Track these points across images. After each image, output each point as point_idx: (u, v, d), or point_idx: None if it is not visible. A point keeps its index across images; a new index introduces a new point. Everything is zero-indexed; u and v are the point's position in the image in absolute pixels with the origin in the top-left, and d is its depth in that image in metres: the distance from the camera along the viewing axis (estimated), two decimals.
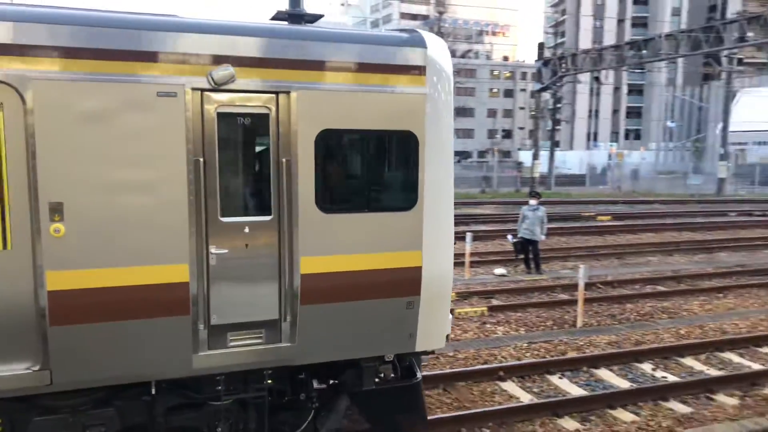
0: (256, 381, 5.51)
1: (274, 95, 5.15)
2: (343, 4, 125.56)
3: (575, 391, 8.19)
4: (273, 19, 6.04)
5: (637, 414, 7.57)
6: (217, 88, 4.94)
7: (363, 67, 5.40)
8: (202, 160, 4.96)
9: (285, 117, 5.18)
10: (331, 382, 5.92)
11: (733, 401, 7.98)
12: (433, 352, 6.50)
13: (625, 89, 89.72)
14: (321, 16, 6.11)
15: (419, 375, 6.19)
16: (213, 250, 5.07)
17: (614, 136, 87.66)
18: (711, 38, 31.90)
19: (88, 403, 5.08)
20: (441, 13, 53.40)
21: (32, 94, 4.48)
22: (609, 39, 77.89)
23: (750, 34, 30.38)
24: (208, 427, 5.47)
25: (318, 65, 5.24)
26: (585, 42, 76.50)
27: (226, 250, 5.11)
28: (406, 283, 5.73)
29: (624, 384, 8.44)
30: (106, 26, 4.72)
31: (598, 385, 8.42)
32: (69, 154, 4.60)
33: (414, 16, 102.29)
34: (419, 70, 5.58)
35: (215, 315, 5.15)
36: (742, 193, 41.48)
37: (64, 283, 4.66)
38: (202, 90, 4.93)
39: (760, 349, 9.91)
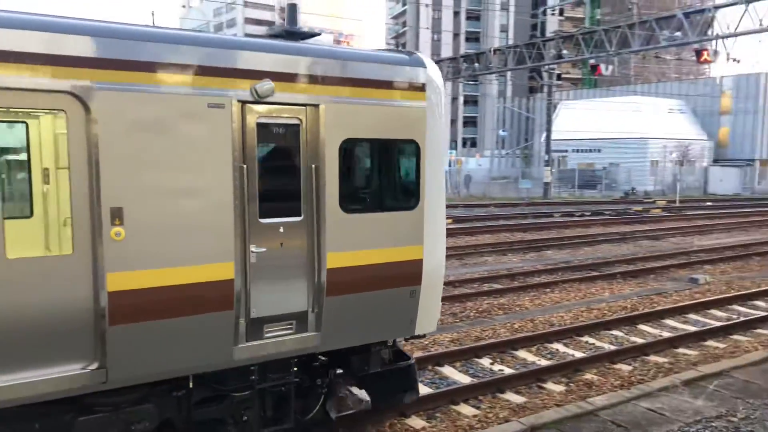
0: (283, 369, 6.09)
1: (304, 107, 5.77)
2: (184, 6, 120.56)
3: (422, 390, 8.50)
4: (271, 35, 6.80)
5: (477, 408, 8.02)
6: (259, 100, 5.46)
7: (377, 84, 6.18)
8: (245, 166, 5.45)
9: (314, 127, 5.81)
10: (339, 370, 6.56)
11: (560, 388, 8.73)
12: (425, 336, 7.29)
13: (461, 100, 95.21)
14: (317, 35, 6.99)
15: (412, 358, 7.23)
16: (253, 248, 5.57)
17: (453, 144, 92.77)
18: (533, 54, 34.88)
19: (129, 400, 5.35)
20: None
21: (97, 104, 4.75)
22: (446, 52, 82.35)
23: (565, 51, 33.64)
24: (233, 418, 5.88)
25: (342, 81, 5.93)
26: (424, 54, 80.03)
27: (264, 249, 5.64)
28: (410, 274, 6.54)
29: (465, 379, 8.90)
30: (162, 41, 5.12)
31: (443, 382, 8.82)
32: (128, 161, 4.90)
33: (259, 22, 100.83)
34: (421, 87, 6.46)
35: (254, 309, 5.65)
36: (565, 196, 45.70)
37: (123, 284, 4.96)
38: (245, 102, 5.43)
39: (582, 338, 10.95)
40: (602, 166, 52.07)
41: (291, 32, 6.64)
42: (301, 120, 5.80)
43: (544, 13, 70.50)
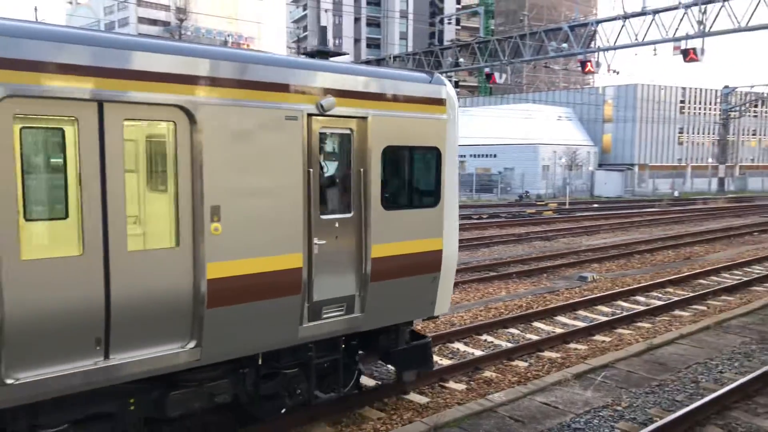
0: (333, 347, 7.19)
1: (355, 119, 6.85)
2: (71, 2, 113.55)
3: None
4: (304, 54, 7.89)
5: (382, 410, 8.09)
6: (322, 113, 6.48)
7: (410, 99, 7.37)
8: (311, 170, 6.47)
9: (362, 136, 6.92)
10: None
11: (461, 386, 8.99)
12: (438, 317, 8.66)
13: None
14: (345, 54, 8.15)
15: (428, 336, 8.68)
16: (316, 241, 6.61)
17: None
18: (432, 61, 35.77)
19: (211, 376, 6.24)
20: (181, 20, 51.52)
21: (200, 116, 5.61)
22: (348, 57, 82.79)
23: (461, 59, 34.75)
24: (288, 391, 6.87)
25: (383, 96, 7.08)
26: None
27: (324, 241, 6.69)
28: (432, 263, 7.74)
29: (370, 382, 8.97)
30: (253, 62, 6.10)
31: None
32: (224, 165, 5.81)
33: (154, 21, 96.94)
34: (442, 102, 7.71)
35: (316, 293, 6.67)
36: (464, 199, 47.12)
37: (220, 272, 5.83)
38: (312, 114, 6.43)
39: (481, 337, 11.33)
40: (498, 170, 54.18)
41: (322, 52, 7.86)
42: (352, 130, 6.91)
43: (441, 22, 72.61)
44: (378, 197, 7.09)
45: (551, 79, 76.30)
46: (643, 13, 27.30)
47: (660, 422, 7.28)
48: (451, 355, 10.35)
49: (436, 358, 10.09)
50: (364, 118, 6.91)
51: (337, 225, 6.86)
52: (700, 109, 71.00)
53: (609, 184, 55.21)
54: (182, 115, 5.58)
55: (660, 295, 14.79)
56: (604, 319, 12.58)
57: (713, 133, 66.39)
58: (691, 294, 14.64)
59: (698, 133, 71.87)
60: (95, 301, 5.24)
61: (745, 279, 16.30)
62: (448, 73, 39.79)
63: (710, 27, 25.25)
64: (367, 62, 41.48)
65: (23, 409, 5.17)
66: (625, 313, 13.00)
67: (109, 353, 5.35)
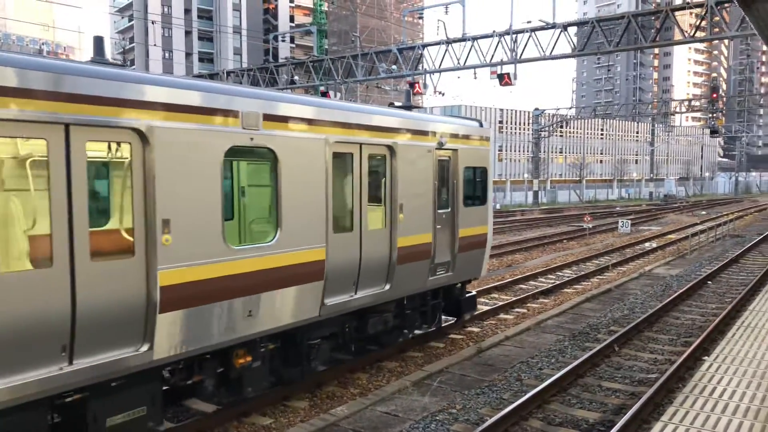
0: (436, 295, 11.41)
1: (452, 151, 10.86)
2: None
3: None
4: (398, 106, 11.63)
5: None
6: (440, 147, 10.48)
7: (473, 137, 11.50)
8: (436, 183, 10.41)
9: (455, 161, 10.94)
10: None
11: (304, 404, 8.97)
12: (477, 278, 12.62)
13: None
14: (417, 107, 14.72)
15: (474, 291, 12.96)
16: (438, 226, 10.52)
17: None
18: (267, 78, 35.58)
19: (387, 309, 10.15)
20: None
21: (399, 151, 9.59)
22: (179, 70, 79.48)
23: (296, 77, 35.00)
24: (409, 322, 10.90)
25: (464, 136, 11.21)
26: (156, 72, 76.21)
27: (439, 226, 10.56)
28: (483, 241, 11.92)
29: (210, 408, 8.63)
30: (419, 120, 10.28)
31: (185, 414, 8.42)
32: (406, 178, 9.69)
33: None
34: (487, 139, 12.00)
35: (436, 258, 10.53)
36: None
37: (402, 244, 9.61)
38: (436, 148, 10.41)
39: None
40: None
41: (408, 106, 12.16)
42: (450, 157, 10.92)
43: (276, 39, 72.51)
44: (461, 198, 11.19)
45: (383, 98, 79.31)
46: (463, 39, 29.39)
47: (489, 421, 7.82)
48: None
49: None
50: (456, 150, 11.02)
51: (443, 216, 10.85)
52: (516, 129, 77.81)
53: None
54: (388, 152, 9.52)
55: (487, 301, 15.89)
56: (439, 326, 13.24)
57: (528, 151, 73.01)
58: (514, 298, 15.92)
59: (515, 151, 78.71)
60: None
61: (558, 282, 18.08)
62: (284, 90, 39.79)
63: (521, 54, 27.84)
64: (200, 76, 40.16)
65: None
66: (454, 320, 13.77)
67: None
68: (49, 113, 5.39)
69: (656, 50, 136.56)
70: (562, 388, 9.44)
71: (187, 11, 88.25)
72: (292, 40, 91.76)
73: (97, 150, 6.00)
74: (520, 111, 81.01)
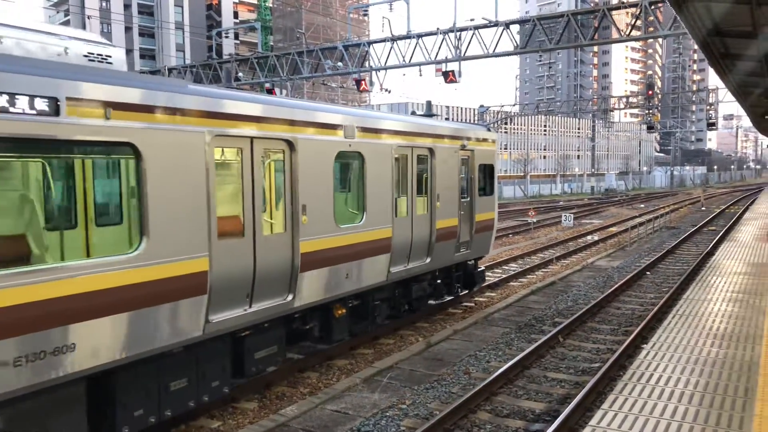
0: (460, 268, 14.15)
1: (471, 150, 13.48)
2: None
3: None
4: (422, 115, 14.79)
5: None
6: (462, 148, 13.10)
7: (484, 140, 14.10)
8: (462, 176, 13.17)
9: (472, 159, 13.53)
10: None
11: (253, 405, 8.87)
12: (486, 255, 15.41)
13: None
14: (436, 116, 16.05)
15: (481, 266, 15.42)
16: (461, 212, 13.14)
17: None
18: (211, 75, 34.92)
19: (425, 278, 12.78)
20: None
21: (437, 152, 12.30)
22: (118, 66, 76.95)
23: (241, 74, 34.50)
24: (436, 290, 13.37)
25: (478, 140, 13.80)
26: None
27: (462, 212, 13.20)
28: (491, 225, 14.64)
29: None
30: (458, 128, 13.69)
31: None
32: (441, 173, 12.31)
33: None
34: (493, 141, 14.58)
35: (460, 238, 13.15)
36: None
37: (439, 226, 12.37)
38: (461, 148, 13.10)
39: None
40: None
41: (429, 114, 15.24)
42: (469, 156, 13.46)
43: (220, 35, 71.16)
44: (477, 189, 13.82)
45: (330, 96, 78.98)
46: (408, 37, 29.53)
47: (439, 416, 7.92)
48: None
49: None
50: (473, 150, 13.63)
51: (464, 204, 13.41)
52: None
53: None
54: (429, 153, 12.20)
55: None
56: (387, 322, 13.31)
57: None
58: (461, 293, 16.11)
59: None
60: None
61: (504, 276, 18.42)
62: (229, 86, 39.12)
63: (465, 52, 28.18)
64: (141, 72, 39.10)
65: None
66: (405, 316, 13.89)
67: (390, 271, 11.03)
68: (250, 131, 7.79)
69: (595, 48, 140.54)
70: (509, 380, 9.64)
71: (127, 6, 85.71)
72: (236, 36, 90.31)
73: (267, 155, 8.24)
74: (466, 108, 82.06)
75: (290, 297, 8.47)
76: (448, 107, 79.82)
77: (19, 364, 5.43)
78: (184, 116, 6.91)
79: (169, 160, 6.72)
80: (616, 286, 16.26)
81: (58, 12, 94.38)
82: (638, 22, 24.62)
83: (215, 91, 7.71)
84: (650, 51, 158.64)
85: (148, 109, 6.51)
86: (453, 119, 78.39)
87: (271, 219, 8.29)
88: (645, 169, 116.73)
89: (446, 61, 28.46)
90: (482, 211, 14.07)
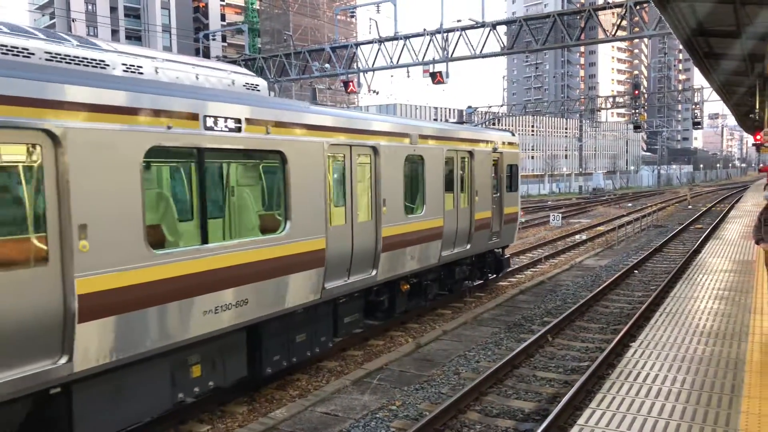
0: (490, 255, 16.34)
1: (500, 153, 15.56)
2: None
3: None
4: (456, 122, 25.33)
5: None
6: (494, 151, 15.26)
7: (510, 143, 16.32)
8: (495, 176, 15.43)
9: (501, 160, 15.71)
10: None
11: (243, 408, 8.83)
12: (512, 243, 18.03)
13: None
14: (468, 123, 27.39)
15: (507, 254, 17.82)
16: (493, 205, 15.29)
17: None
18: None
19: (465, 262, 14.98)
20: None
21: (476, 154, 14.61)
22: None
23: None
24: (471, 272, 15.41)
25: (505, 143, 15.91)
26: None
27: (494, 206, 15.40)
28: (515, 218, 16.86)
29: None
30: (491, 132, 16.81)
31: None
32: (477, 173, 14.47)
33: None
34: (517, 144, 16.87)
35: (492, 228, 15.37)
36: None
37: (477, 217, 14.55)
38: (492, 151, 15.21)
39: None
40: None
41: (461, 122, 22.19)
42: (499, 158, 15.45)
43: (207, 38, 70.88)
44: (504, 186, 15.83)
45: (319, 98, 78.99)
46: (395, 38, 29.59)
47: (429, 416, 7.92)
48: None
49: None
50: (502, 153, 15.64)
51: (496, 199, 15.43)
52: None
53: None
54: (468, 155, 14.29)
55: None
56: (377, 323, 13.31)
57: None
58: (450, 294, 16.14)
59: None
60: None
61: (492, 276, 18.43)
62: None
63: (452, 53, 28.26)
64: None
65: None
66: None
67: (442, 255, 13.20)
68: (349, 140, 10.06)
69: (582, 49, 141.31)
70: (498, 380, 9.66)
71: (113, 9, 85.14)
72: (223, 39, 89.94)
73: (360, 159, 10.48)
74: (454, 109, 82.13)
75: (374, 272, 10.79)
76: (435, 108, 79.91)
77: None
78: (310, 130, 9.10)
79: (303, 165, 8.90)
80: (605, 284, 16.34)
81: (43, 15, 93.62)
82: (624, 23, 24.78)
83: (329, 110, 10.19)
84: (636, 51, 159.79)
85: (291, 126, 8.70)
86: (441, 121, 78.52)
87: (363, 210, 10.55)
88: (632, 168, 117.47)
89: (434, 62, 28.52)
90: (509, 205, 16.18)
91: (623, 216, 36.72)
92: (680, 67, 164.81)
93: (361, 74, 31.96)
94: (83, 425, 6.20)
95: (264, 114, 8.22)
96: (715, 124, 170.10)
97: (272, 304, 8.39)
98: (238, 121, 7.75)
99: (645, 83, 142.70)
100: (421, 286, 12.97)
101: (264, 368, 8.66)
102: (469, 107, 57.41)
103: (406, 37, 29.26)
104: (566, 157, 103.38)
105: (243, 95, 8.52)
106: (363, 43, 31.66)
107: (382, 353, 11.32)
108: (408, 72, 30.67)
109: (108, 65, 7.25)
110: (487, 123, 67.73)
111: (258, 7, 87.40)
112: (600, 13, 26.00)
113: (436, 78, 27.80)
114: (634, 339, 10.30)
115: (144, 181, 6.61)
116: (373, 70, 30.59)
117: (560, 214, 32.48)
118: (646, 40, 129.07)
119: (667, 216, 39.74)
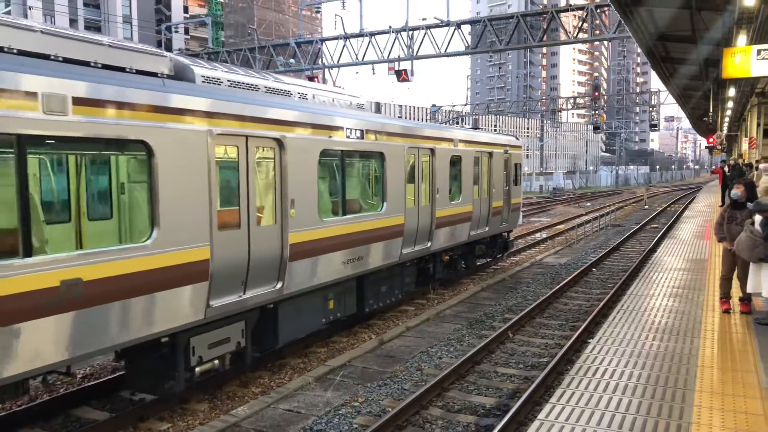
0: (499, 238, 19.42)
1: (510, 154, 19.13)
2: None
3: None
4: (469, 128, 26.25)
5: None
6: (506, 152, 18.80)
7: (515, 145, 19.92)
8: (506, 173, 18.97)
9: (509, 159, 19.14)
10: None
11: (204, 406, 8.73)
12: (515, 227, 21.61)
13: None
14: (480, 128, 26.64)
15: (511, 236, 21.28)
16: (504, 197, 18.77)
17: None
18: None
19: (484, 242, 18.44)
20: None
21: (493, 156, 18.15)
22: None
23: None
24: (485, 253, 18.93)
25: (511, 146, 19.42)
26: None
27: (505, 197, 18.82)
28: (519, 207, 20.53)
29: (103, 416, 8.24)
30: (505, 138, 20.05)
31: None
32: (494, 170, 18.10)
33: None
34: (520, 146, 20.41)
35: (503, 215, 18.87)
36: None
37: (494, 205, 18.08)
38: (504, 152, 18.75)
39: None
40: None
41: (475, 128, 23.40)
42: (508, 158, 18.95)
43: (169, 30, 69.51)
44: (512, 180, 19.03)
45: None
46: (361, 35, 29.56)
47: (391, 412, 7.96)
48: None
49: None
50: (511, 154, 18.85)
51: (506, 190, 18.56)
52: None
53: None
54: (487, 156, 17.76)
55: None
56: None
57: None
58: (413, 290, 16.24)
59: None
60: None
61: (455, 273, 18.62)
62: None
63: (417, 51, 28.38)
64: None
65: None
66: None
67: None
68: (415, 144, 13.33)
69: (544, 50, 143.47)
70: (460, 376, 9.76)
71: None
72: (186, 31, 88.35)
73: (422, 158, 13.74)
74: (418, 107, 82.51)
75: (429, 244, 13.97)
76: (400, 106, 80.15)
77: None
78: (395, 136, 12.56)
79: (396, 164, 12.44)
80: (564, 282, 16.66)
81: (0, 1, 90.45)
82: (585, 25, 25.23)
83: (414, 125, 14.63)
84: (596, 54, 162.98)
85: (388, 135, 12.22)
86: (405, 119, 78.82)
87: (425, 196, 13.84)
88: (591, 168, 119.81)
89: (399, 59, 28.58)
90: (515, 196, 19.52)
91: (582, 215, 37.45)
92: (638, 70, 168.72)
93: (326, 70, 31.83)
94: (283, 331, 9.48)
95: (375, 126, 12.03)
96: (670, 126, 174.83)
97: (372, 263, 11.76)
98: (362, 132, 11.38)
99: (605, 85, 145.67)
100: (452, 260, 16.09)
101: (365, 308, 11.98)
102: (434, 105, 57.72)
103: (372, 34, 29.25)
104: (527, 156, 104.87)
105: (366, 114, 12.69)
106: (328, 39, 31.53)
107: (345, 350, 11.32)
108: (373, 69, 30.72)
109: (291, 94, 10.23)
110: (450, 122, 68.19)
111: (222, 0, 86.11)
112: (562, 15, 26.45)
113: (401, 76, 27.88)
114: (592, 335, 10.54)
115: (319, 172, 9.93)
116: (339, 66, 30.51)
117: (521, 213, 32.90)
118: (606, 43, 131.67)
119: (625, 215, 40.67)
